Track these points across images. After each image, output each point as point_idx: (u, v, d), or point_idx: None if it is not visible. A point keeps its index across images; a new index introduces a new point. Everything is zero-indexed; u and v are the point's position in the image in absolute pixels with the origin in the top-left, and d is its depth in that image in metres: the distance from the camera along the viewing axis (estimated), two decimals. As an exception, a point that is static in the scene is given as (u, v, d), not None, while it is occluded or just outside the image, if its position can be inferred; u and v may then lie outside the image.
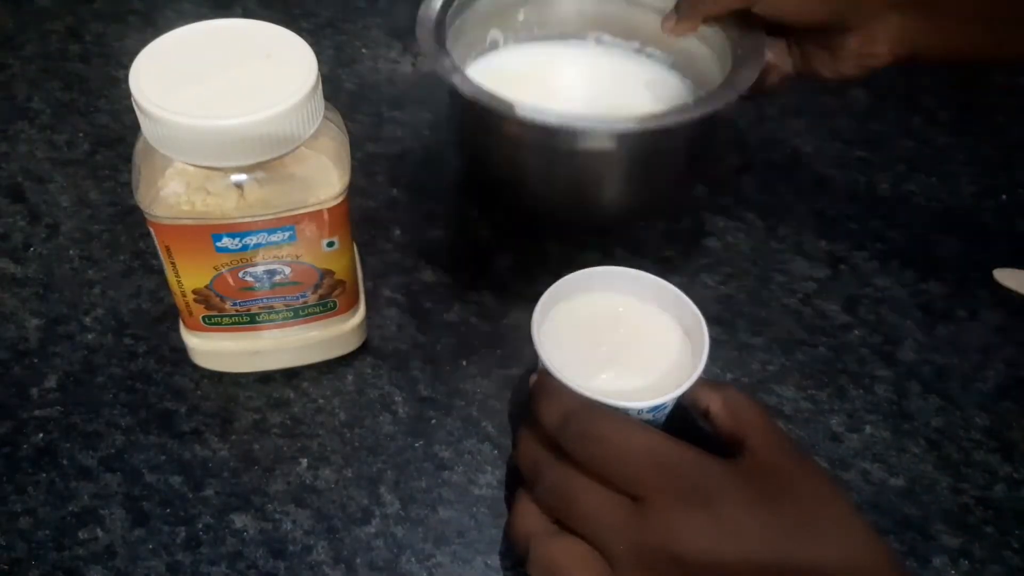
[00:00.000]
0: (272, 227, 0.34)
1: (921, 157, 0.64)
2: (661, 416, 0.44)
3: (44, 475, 0.42)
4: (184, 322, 0.44)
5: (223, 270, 0.38)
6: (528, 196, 0.54)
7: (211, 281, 0.39)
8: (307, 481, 0.43)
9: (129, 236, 0.53)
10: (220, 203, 0.34)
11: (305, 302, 0.38)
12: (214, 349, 0.45)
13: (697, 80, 0.56)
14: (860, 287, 0.54)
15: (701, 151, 0.56)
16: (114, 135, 0.60)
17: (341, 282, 0.36)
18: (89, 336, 0.48)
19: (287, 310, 0.42)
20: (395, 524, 0.41)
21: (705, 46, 0.56)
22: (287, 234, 0.34)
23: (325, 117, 0.37)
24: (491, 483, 0.43)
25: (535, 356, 0.41)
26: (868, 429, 0.47)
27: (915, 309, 0.53)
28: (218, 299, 0.41)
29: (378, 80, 0.67)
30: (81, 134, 0.60)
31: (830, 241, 0.57)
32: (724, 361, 0.49)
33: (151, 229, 0.35)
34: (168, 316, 0.48)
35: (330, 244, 0.34)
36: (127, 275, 0.51)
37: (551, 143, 0.48)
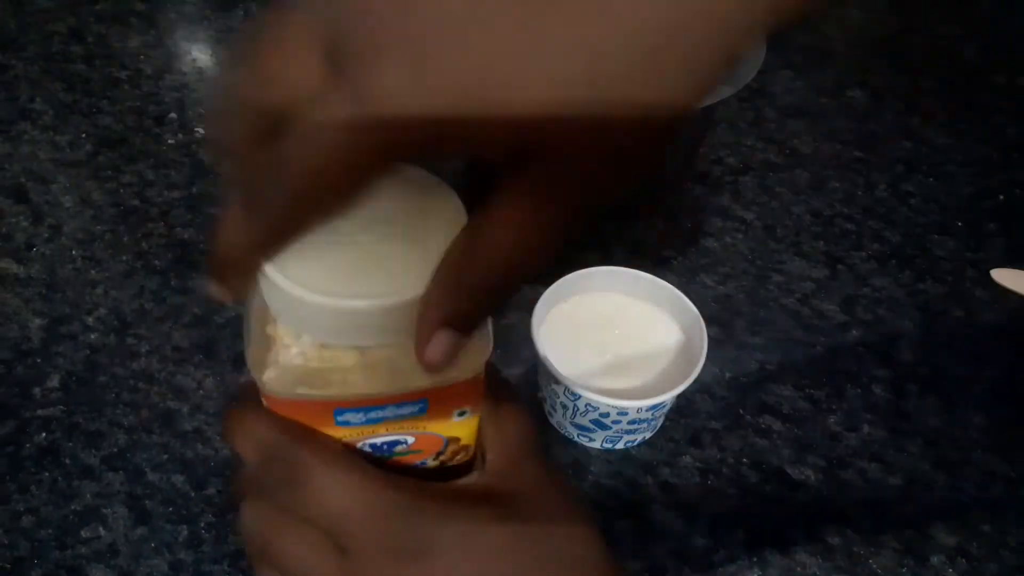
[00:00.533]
0: (401, 401, 0.29)
1: (919, 158, 0.64)
2: (660, 415, 0.44)
3: (47, 474, 0.42)
4: None
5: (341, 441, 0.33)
6: None
7: None
8: (308, 480, 0.43)
9: (131, 236, 0.53)
10: (337, 357, 0.27)
11: (424, 468, 0.33)
12: None
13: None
14: (858, 287, 0.55)
15: (698, 144, 0.56)
16: (116, 136, 0.60)
17: (465, 447, 0.32)
18: (92, 336, 0.48)
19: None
20: (396, 522, 0.41)
21: None
22: (417, 407, 0.29)
23: None
24: (491, 482, 0.43)
25: (535, 356, 0.42)
26: (866, 428, 0.47)
27: (913, 309, 0.53)
28: None
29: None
30: (83, 135, 0.60)
31: (828, 241, 0.57)
32: (722, 360, 0.49)
33: (263, 401, 0.30)
34: (170, 316, 0.48)
35: (461, 413, 0.30)
36: (129, 275, 0.51)
37: None
